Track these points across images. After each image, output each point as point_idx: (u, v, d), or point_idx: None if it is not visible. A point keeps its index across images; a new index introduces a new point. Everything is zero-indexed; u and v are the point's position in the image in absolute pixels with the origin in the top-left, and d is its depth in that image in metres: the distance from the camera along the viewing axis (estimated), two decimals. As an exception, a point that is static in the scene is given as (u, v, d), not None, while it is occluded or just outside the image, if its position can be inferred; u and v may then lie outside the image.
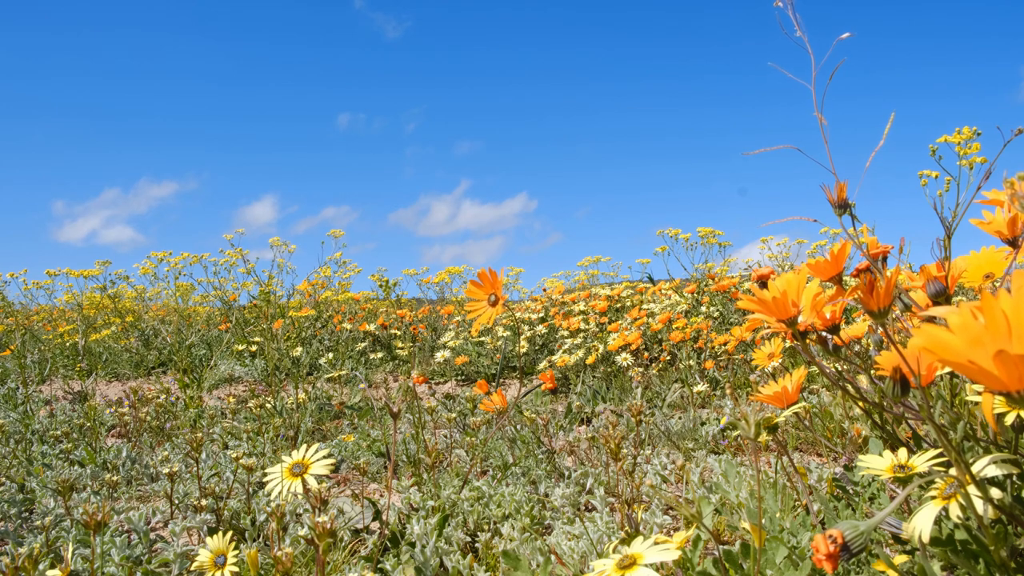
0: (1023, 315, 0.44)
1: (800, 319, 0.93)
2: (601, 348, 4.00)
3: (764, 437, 1.26)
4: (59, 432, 2.81)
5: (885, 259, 1.04)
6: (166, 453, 2.53)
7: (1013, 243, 0.95)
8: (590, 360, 3.91)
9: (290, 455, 1.18)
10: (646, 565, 0.86)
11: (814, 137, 0.95)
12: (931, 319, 0.92)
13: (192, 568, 1.21)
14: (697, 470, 2.02)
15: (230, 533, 1.17)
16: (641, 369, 3.61)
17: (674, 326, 4.04)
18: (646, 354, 4.13)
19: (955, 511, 0.80)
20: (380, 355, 4.81)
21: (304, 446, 1.19)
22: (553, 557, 1.34)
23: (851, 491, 1.40)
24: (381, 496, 2.12)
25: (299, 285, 6.03)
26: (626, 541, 0.95)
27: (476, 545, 1.56)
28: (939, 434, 0.76)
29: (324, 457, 1.17)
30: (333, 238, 6.22)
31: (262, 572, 1.37)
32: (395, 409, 1.49)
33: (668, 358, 3.85)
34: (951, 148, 2.46)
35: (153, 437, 2.84)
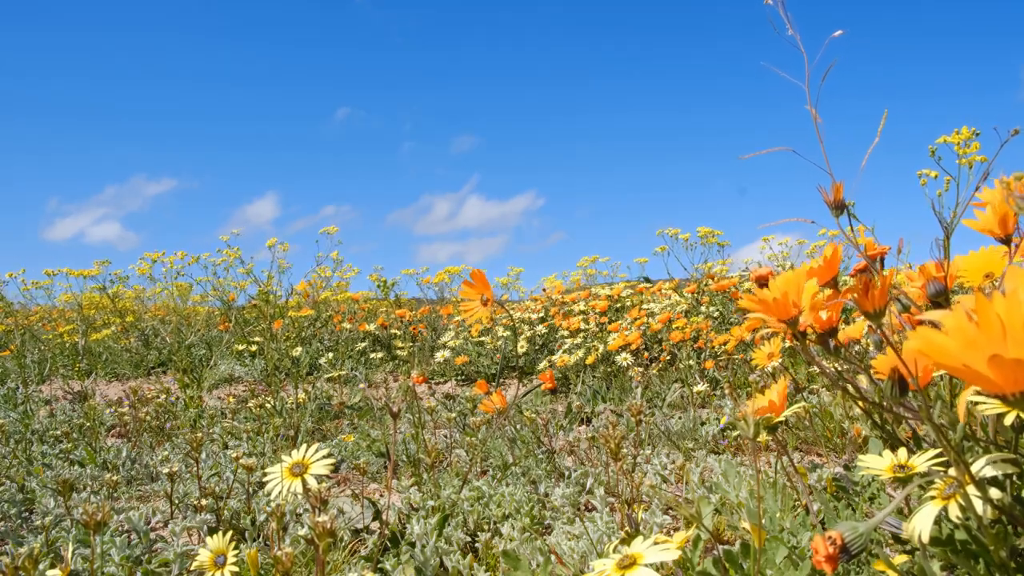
0: (1017, 317, 0.44)
1: (800, 319, 0.93)
2: (601, 348, 4.00)
3: (764, 437, 1.26)
4: (59, 432, 2.81)
5: (883, 260, 1.04)
6: (166, 453, 2.53)
7: (1007, 241, 0.95)
8: (590, 360, 3.91)
9: (290, 455, 1.18)
10: (646, 565, 0.86)
11: (812, 137, 0.95)
12: (927, 321, 0.92)
13: (192, 568, 1.21)
14: (697, 470, 2.02)
15: (230, 533, 1.17)
16: (641, 369, 3.61)
17: (674, 326, 4.04)
18: (646, 354, 4.13)
19: (955, 511, 0.80)
20: (380, 355, 4.81)
21: (304, 446, 1.19)
22: (553, 557, 1.34)
23: (851, 491, 1.40)
24: (381, 496, 2.12)
25: (297, 285, 6.03)
26: (626, 541, 0.95)
27: (476, 545, 1.56)
28: (938, 434, 0.77)
29: (324, 457, 1.17)
30: (328, 235, 6.19)
31: (262, 572, 1.37)
32: (395, 409, 1.49)
33: (668, 358, 3.85)
34: (950, 148, 2.46)
35: (153, 437, 2.85)
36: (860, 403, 1.01)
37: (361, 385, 4.07)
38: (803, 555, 1.12)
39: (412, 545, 1.48)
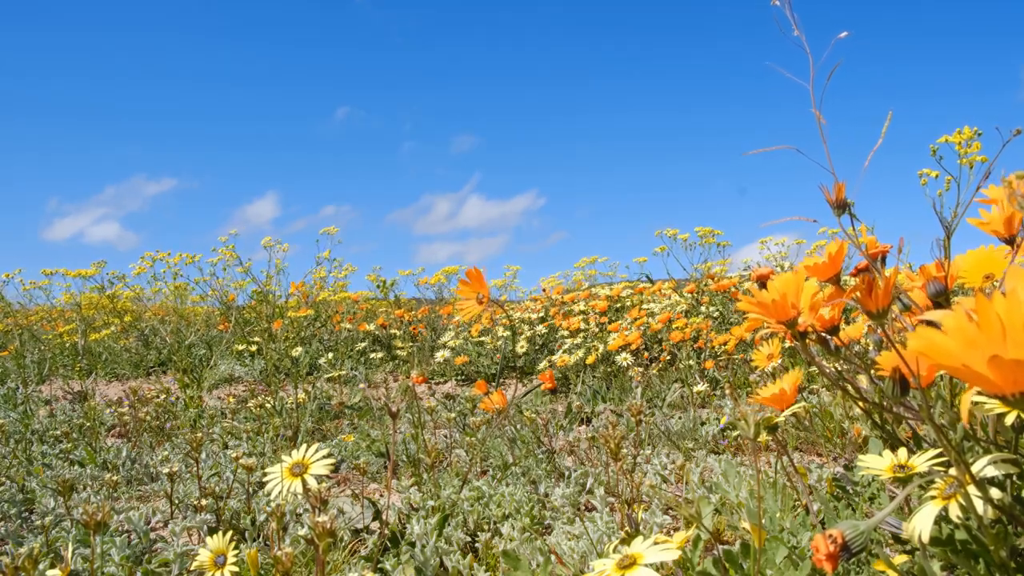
0: (1017, 317, 0.44)
1: (800, 320, 0.93)
2: (601, 348, 4.00)
3: (764, 437, 1.26)
4: (59, 432, 2.81)
5: (884, 259, 1.04)
6: (166, 453, 2.53)
7: (1010, 241, 0.95)
8: (590, 360, 3.91)
9: (290, 455, 1.18)
10: (646, 565, 0.86)
11: (815, 137, 0.95)
12: (928, 322, 0.92)
13: (192, 568, 1.21)
14: (697, 470, 2.02)
15: (230, 533, 1.17)
16: (641, 369, 3.61)
17: (674, 326, 4.04)
18: (646, 354, 4.13)
19: (955, 511, 0.80)
20: (380, 355, 4.81)
21: (304, 446, 1.19)
22: (553, 557, 1.34)
23: (851, 491, 1.40)
24: (381, 496, 2.12)
25: (294, 285, 6.02)
26: (626, 541, 0.95)
27: (476, 545, 1.56)
28: (939, 434, 0.76)
29: (324, 457, 1.17)
30: (328, 235, 6.19)
31: (262, 572, 1.37)
32: (395, 409, 1.49)
33: (668, 358, 3.85)
34: (951, 148, 2.46)
35: (153, 437, 2.85)
36: (860, 403, 1.01)
37: (361, 385, 4.07)
38: (803, 555, 1.11)
39: (412, 545, 1.48)
